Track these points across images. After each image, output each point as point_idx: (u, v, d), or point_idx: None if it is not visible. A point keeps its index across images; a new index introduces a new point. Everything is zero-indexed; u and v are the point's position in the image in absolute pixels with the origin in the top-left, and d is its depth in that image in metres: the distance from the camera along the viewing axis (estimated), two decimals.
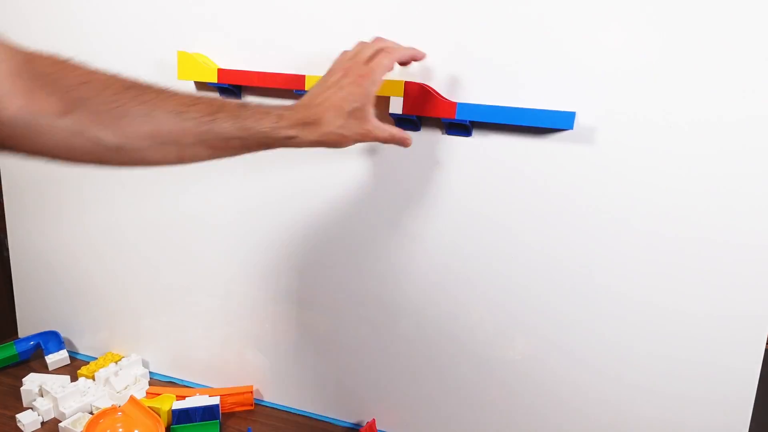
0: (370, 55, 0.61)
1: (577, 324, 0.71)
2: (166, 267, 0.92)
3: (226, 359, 0.92)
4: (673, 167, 0.63)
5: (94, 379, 0.90)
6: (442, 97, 0.69)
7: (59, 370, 0.96)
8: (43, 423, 0.82)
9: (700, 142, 0.62)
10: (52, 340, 0.99)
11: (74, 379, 0.91)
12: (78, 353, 1.02)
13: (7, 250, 1.04)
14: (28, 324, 1.05)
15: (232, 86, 0.78)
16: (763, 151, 0.60)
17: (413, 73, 0.71)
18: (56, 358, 0.97)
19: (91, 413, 0.83)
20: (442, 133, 0.72)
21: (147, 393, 0.88)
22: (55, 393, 0.83)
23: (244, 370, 0.91)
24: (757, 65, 0.58)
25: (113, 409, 0.80)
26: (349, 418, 0.86)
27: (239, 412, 0.87)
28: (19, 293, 1.05)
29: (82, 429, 0.78)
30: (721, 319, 0.65)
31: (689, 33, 0.60)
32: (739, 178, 0.61)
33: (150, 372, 0.96)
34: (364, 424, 0.83)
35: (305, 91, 0.74)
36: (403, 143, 0.64)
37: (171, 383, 0.94)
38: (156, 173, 0.88)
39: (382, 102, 0.73)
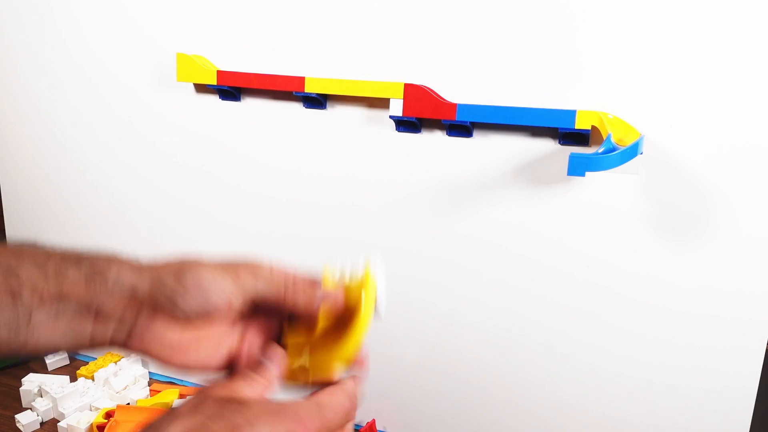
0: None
1: (579, 323, 0.71)
2: None
3: None
4: (674, 167, 0.63)
5: (93, 380, 0.90)
6: (442, 98, 0.69)
7: (58, 371, 0.96)
8: (42, 423, 0.82)
9: (700, 141, 0.62)
10: None
11: (73, 379, 0.91)
12: (77, 353, 1.02)
13: None
14: None
15: (231, 88, 0.78)
16: (763, 149, 0.60)
17: (413, 75, 0.71)
18: (55, 358, 0.97)
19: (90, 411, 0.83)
20: (443, 135, 0.72)
21: (151, 390, 0.89)
22: (55, 393, 0.83)
23: None
24: (759, 64, 0.58)
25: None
26: None
27: None
28: None
29: (84, 428, 0.78)
30: (721, 321, 0.65)
31: (690, 29, 0.60)
32: (739, 179, 0.61)
33: (149, 372, 0.96)
34: (364, 424, 0.83)
35: (305, 93, 0.74)
36: None
37: (170, 383, 0.94)
38: (163, 169, 0.88)
39: (382, 105, 0.73)
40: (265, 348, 0.39)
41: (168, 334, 0.35)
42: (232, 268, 0.37)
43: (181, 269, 0.36)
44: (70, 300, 0.33)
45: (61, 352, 0.32)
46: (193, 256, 0.37)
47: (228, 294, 0.35)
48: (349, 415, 0.35)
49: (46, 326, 0.32)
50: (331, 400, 0.34)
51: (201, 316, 0.35)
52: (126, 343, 0.34)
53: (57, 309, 0.33)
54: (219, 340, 0.37)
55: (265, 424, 0.30)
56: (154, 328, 0.34)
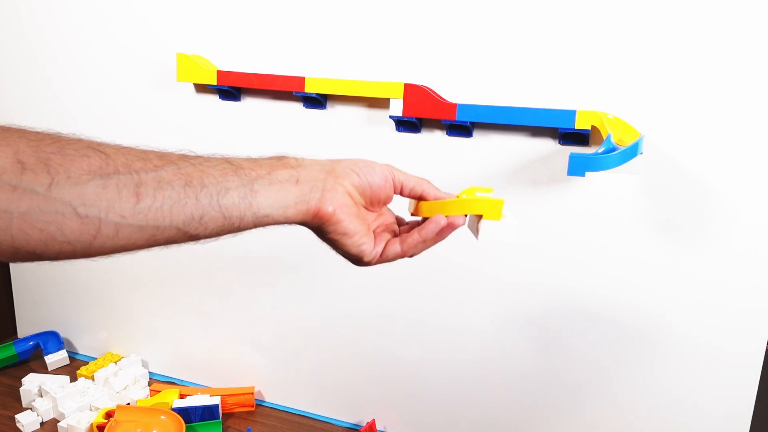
0: None
1: (579, 322, 0.71)
2: (165, 267, 0.92)
3: (225, 360, 0.92)
4: (673, 167, 0.63)
5: (93, 380, 0.90)
6: (442, 98, 0.69)
7: (59, 371, 0.96)
8: (42, 423, 0.82)
9: (700, 141, 0.62)
10: (51, 340, 0.99)
11: (74, 379, 0.91)
12: (77, 353, 1.02)
13: None
14: (27, 324, 1.05)
15: (231, 88, 0.78)
16: (761, 150, 0.60)
17: (413, 75, 0.71)
18: (56, 358, 0.97)
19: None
20: (443, 135, 0.72)
21: (151, 390, 0.89)
22: (55, 393, 0.83)
23: (243, 371, 0.91)
24: (758, 65, 0.58)
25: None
26: (348, 418, 0.86)
27: (239, 412, 0.87)
28: (19, 293, 1.05)
29: (84, 428, 0.78)
30: (720, 321, 0.65)
31: (690, 30, 0.60)
32: (738, 178, 0.61)
33: (150, 372, 0.96)
34: (364, 424, 0.83)
35: (305, 93, 0.74)
36: None
37: (171, 383, 0.94)
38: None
39: (382, 105, 0.73)
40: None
41: (345, 200, 0.45)
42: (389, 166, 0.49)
43: (347, 159, 0.47)
44: (278, 173, 0.43)
45: (273, 223, 0.43)
46: None
47: (386, 173, 0.47)
48: None
49: (263, 192, 0.41)
50: None
51: (368, 186, 0.46)
52: (320, 204, 0.43)
53: (269, 179, 0.42)
54: (368, 225, 0.49)
55: None
56: (337, 191, 0.44)
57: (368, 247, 0.48)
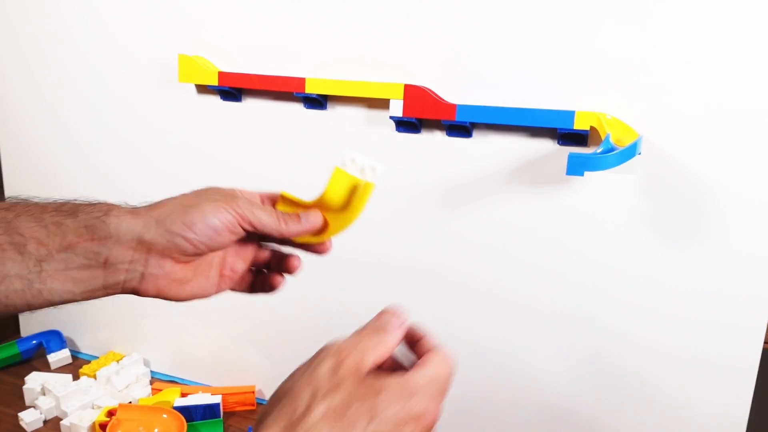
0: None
1: (576, 322, 0.71)
2: None
3: (227, 359, 0.92)
4: (671, 167, 0.63)
5: (95, 378, 0.91)
6: (441, 99, 0.69)
7: (61, 369, 0.96)
8: (45, 421, 0.83)
9: (697, 141, 0.62)
10: (54, 339, 0.99)
11: (76, 378, 0.91)
12: (80, 352, 1.03)
13: None
14: (30, 323, 1.06)
15: (232, 89, 0.79)
16: (759, 151, 0.60)
17: (413, 76, 0.71)
18: (58, 357, 0.97)
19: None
20: (443, 135, 0.72)
21: (152, 389, 0.89)
22: (57, 392, 0.84)
23: (245, 370, 0.91)
24: (756, 65, 0.59)
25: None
26: None
27: (240, 411, 0.88)
28: None
29: (86, 426, 0.79)
30: (717, 319, 0.65)
31: (687, 31, 0.60)
32: (735, 179, 0.61)
33: (151, 371, 0.97)
34: None
35: (305, 94, 0.74)
36: None
37: (172, 382, 0.95)
38: (165, 169, 0.89)
39: (382, 106, 0.73)
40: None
41: (177, 272, 0.37)
42: (231, 198, 0.39)
43: (184, 211, 0.37)
44: (77, 250, 0.33)
45: (76, 302, 0.35)
46: (188, 194, 0.39)
47: (230, 227, 0.38)
48: (453, 374, 0.38)
49: (57, 275, 0.33)
50: (439, 372, 0.37)
51: (208, 250, 0.38)
52: (139, 287, 0.36)
53: (65, 259, 0.33)
54: (210, 265, 0.41)
55: (398, 409, 0.32)
56: (165, 268, 0.36)
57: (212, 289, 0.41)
